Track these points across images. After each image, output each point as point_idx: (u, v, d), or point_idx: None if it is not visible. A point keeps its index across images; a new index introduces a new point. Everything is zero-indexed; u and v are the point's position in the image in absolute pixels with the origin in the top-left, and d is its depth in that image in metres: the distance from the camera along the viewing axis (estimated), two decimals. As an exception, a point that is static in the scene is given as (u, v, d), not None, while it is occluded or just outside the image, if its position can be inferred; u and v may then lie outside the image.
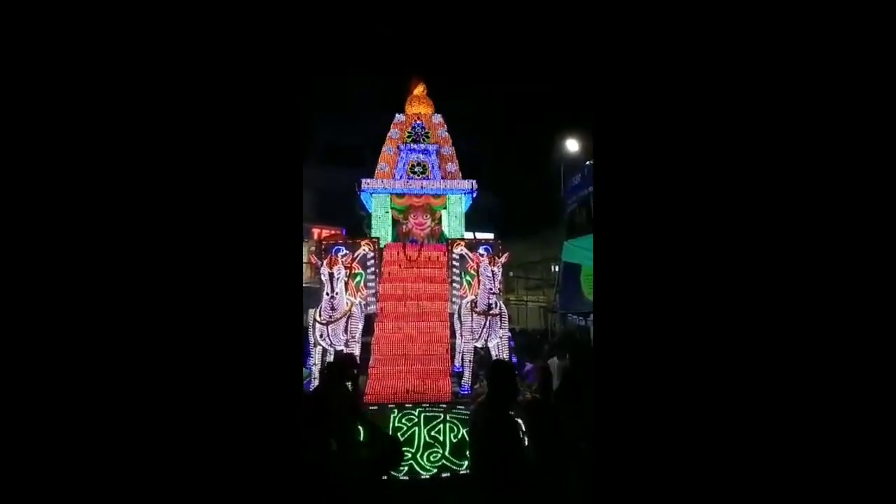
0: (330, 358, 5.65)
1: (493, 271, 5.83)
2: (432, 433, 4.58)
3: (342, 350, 5.59)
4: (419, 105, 8.06)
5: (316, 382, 5.42)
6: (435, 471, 4.36)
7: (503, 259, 6.07)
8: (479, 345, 5.82)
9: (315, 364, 5.66)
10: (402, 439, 4.49)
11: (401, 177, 7.47)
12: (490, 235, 9.05)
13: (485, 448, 2.32)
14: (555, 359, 6.01)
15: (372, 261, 6.28)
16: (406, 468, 4.36)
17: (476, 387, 5.61)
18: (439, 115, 7.98)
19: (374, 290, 6.24)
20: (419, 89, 8.23)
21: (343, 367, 3.74)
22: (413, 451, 4.47)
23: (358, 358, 5.52)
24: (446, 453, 4.46)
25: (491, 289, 5.77)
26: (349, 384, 3.83)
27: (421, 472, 4.35)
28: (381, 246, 6.58)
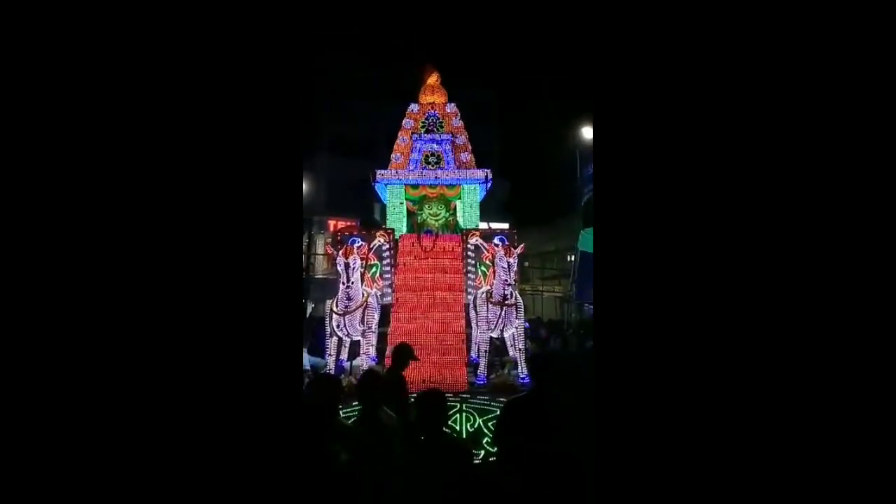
0: (345, 349, 5.72)
1: (508, 262, 5.78)
2: (448, 423, 4.60)
3: (359, 340, 5.65)
4: (433, 94, 7.98)
5: (331, 371, 5.50)
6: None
7: (519, 250, 6.00)
8: (494, 335, 5.80)
9: (331, 355, 5.70)
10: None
11: (415, 167, 7.44)
12: (505, 225, 8.98)
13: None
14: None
15: (387, 251, 6.29)
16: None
17: (492, 377, 5.61)
18: (453, 105, 7.90)
19: (389, 281, 6.25)
20: (433, 78, 8.14)
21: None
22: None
23: (374, 348, 5.63)
24: (463, 443, 4.48)
25: (506, 280, 5.72)
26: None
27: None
28: (396, 237, 6.58)
